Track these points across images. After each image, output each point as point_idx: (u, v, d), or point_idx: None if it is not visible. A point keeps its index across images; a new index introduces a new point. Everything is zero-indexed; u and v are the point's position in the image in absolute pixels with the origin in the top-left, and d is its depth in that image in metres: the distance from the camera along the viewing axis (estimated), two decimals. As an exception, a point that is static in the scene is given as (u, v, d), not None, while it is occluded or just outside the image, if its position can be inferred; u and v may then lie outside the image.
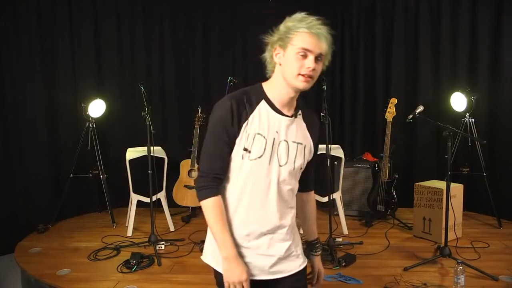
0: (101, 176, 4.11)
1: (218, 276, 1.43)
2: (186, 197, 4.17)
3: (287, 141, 1.41)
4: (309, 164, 1.53)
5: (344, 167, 3.83)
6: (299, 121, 1.47)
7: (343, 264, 2.95)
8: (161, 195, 3.84)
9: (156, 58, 4.58)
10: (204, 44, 4.62)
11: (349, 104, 4.65)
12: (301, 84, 1.33)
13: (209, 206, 1.37)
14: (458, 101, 4.00)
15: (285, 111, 1.42)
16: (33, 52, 4.16)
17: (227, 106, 1.34)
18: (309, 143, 1.49)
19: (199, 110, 4.22)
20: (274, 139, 1.39)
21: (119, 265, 3.01)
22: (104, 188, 4.11)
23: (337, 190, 3.77)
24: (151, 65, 4.58)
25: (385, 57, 4.51)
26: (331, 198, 3.32)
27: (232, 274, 1.35)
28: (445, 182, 2.99)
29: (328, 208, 3.28)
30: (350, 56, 4.58)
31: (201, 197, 1.38)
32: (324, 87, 3.32)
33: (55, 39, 4.26)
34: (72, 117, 4.36)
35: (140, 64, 4.55)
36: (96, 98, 4.13)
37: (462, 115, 4.01)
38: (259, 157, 1.36)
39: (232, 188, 1.41)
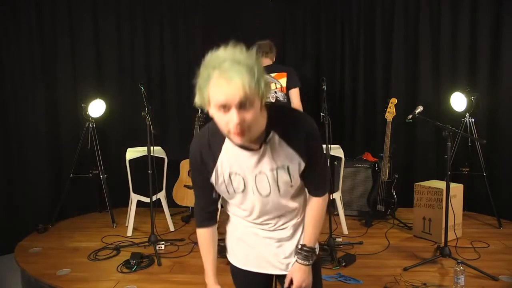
0: (101, 176, 4.11)
1: (230, 265, 1.57)
2: (186, 197, 4.16)
3: (264, 173, 1.31)
4: (304, 172, 1.37)
5: (344, 167, 3.83)
6: (273, 145, 1.28)
7: (343, 264, 2.95)
8: (161, 195, 3.84)
9: (156, 58, 4.57)
10: (204, 44, 4.61)
11: (349, 104, 4.64)
12: (237, 139, 1.14)
13: (198, 236, 1.50)
14: (458, 101, 4.00)
15: (252, 146, 1.26)
16: (33, 52, 4.16)
17: (193, 152, 1.36)
18: (295, 159, 1.31)
19: (199, 110, 4.21)
20: (248, 174, 1.33)
21: (119, 265, 3.02)
22: (104, 188, 4.11)
23: (337, 190, 3.77)
24: (151, 65, 4.57)
25: (385, 57, 4.50)
26: (331, 198, 3.32)
27: None
28: (445, 182, 2.99)
29: (328, 208, 3.27)
30: (350, 56, 4.57)
31: (196, 226, 1.51)
32: (324, 87, 3.32)
33: (55, 39, 4.26)
34: (72, 117, 4.36)
35: (140, 64, 4.55)
36: (96, 98, 4.13)
37: (462, 115, 4.01)
38: (242, 191, 1.37)
39: (233, 207, 1.48)
